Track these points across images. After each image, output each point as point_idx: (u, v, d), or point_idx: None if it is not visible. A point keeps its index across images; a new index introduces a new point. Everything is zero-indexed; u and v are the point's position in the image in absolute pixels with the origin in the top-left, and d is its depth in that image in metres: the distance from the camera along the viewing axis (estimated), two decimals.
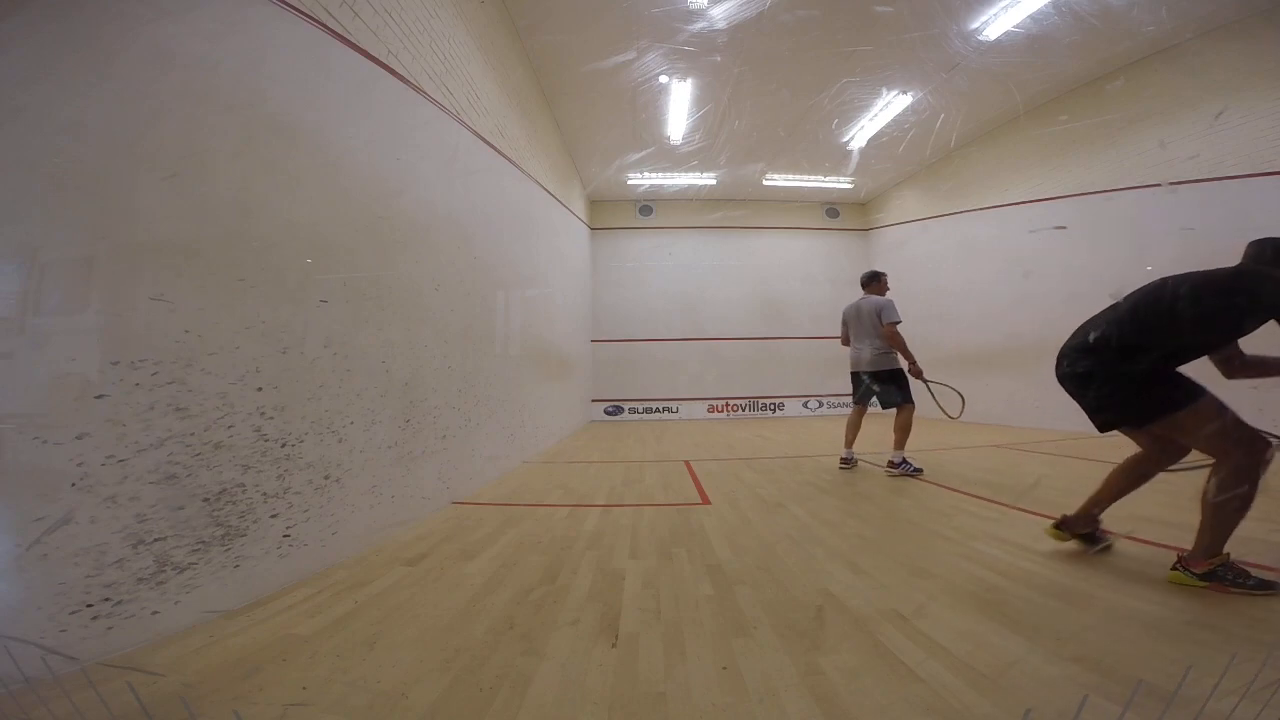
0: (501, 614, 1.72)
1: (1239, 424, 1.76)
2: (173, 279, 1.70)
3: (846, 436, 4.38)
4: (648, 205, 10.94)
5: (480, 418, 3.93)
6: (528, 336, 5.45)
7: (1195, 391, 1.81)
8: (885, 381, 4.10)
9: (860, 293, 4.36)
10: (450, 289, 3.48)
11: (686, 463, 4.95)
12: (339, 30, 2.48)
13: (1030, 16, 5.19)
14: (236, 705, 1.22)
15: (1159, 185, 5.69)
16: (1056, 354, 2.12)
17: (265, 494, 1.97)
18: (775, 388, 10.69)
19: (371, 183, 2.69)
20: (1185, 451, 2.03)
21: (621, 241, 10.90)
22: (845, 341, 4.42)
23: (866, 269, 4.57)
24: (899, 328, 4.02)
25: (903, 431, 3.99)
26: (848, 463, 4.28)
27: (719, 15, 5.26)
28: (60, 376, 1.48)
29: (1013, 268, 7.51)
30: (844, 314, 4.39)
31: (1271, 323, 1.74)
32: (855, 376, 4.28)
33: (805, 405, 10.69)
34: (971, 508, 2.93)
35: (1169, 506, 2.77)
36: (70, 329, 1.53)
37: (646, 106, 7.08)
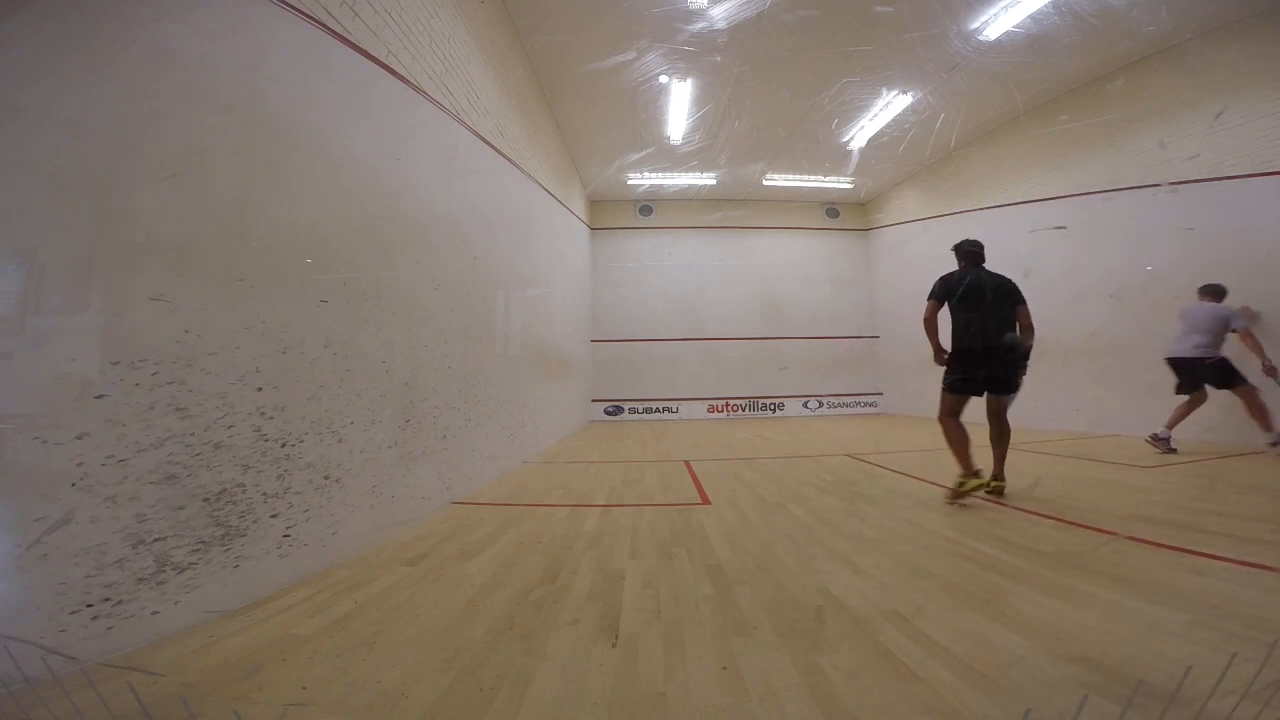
0: (501, 614, 1.72)
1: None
2: (173, 279, 1.71)
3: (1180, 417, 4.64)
4: (648, 205, 10.94)
5: (480, 418, 3.93)
6: (527, 336, 5.45)
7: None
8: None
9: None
10: (450, 289, 3.48)
11: (686, 463, 4.94)
12: (339, 30, 2.48)
13: (1030, 16, 5.18)
14: (236, 705, 1.22)
15: (1159, 185, 5.69)
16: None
17: (265, 494, 1.97)
18: (775, 388, 10.68)
19: (371, 183, 2.69)
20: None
21: (621, 241, 10.89)
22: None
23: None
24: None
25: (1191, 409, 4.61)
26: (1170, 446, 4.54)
27: (719, 15, 5.25)
28: (60, 376, 1.48)
29: (1013, 268, 7.48)
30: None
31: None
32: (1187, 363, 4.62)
33: (805, 405, 10.69)
34: (971, 507, 2.93)
35: (1170, 508, 2.77)
36: (70, 329, 1.52)
37: (646, 106, 7.07)
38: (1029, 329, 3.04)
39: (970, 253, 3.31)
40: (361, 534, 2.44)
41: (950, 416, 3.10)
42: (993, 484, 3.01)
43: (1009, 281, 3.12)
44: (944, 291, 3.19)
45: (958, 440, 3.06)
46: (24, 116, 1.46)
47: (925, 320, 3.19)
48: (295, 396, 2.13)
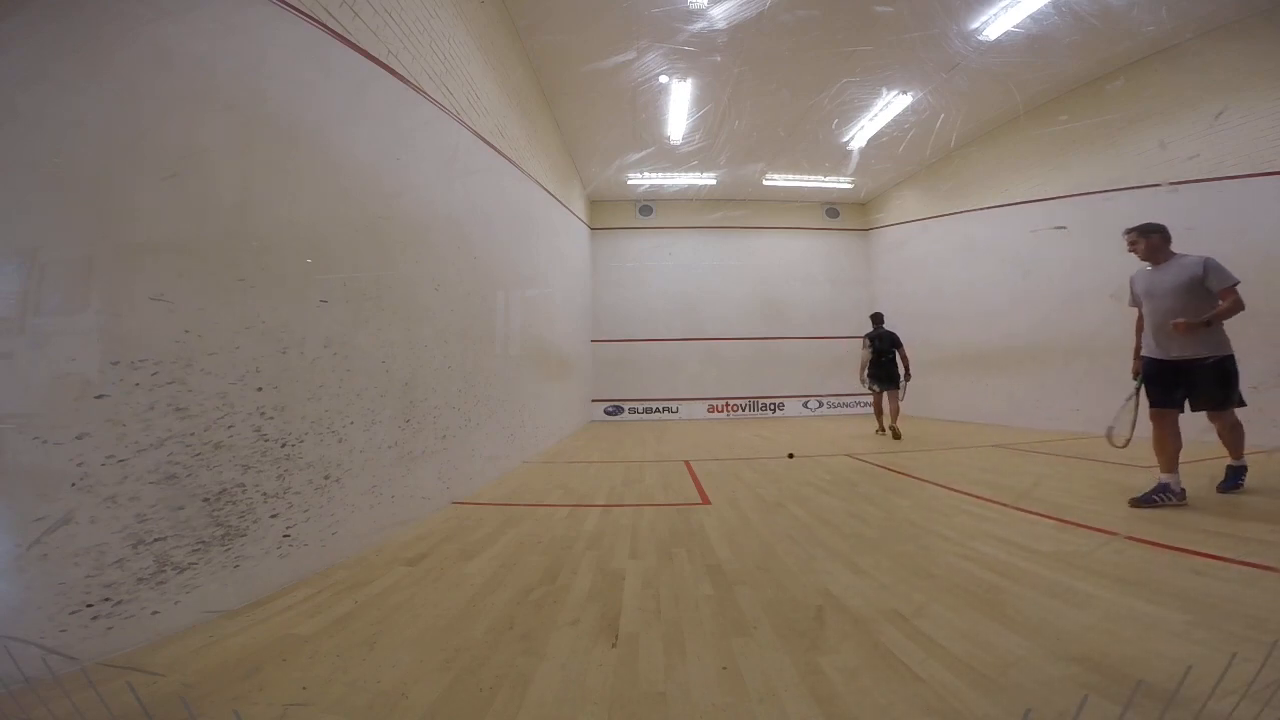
0: (501, 614, 1.72)
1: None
2: (173, 279, 1.70)
3: (1166, 456, 2.80)
4: (648, 205, 10.93)
5: (480, 417, 3.93)
6: (527, 336, 5.45)
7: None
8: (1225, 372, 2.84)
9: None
10: (450, 289, 3.48)
11: (686, 463, 4.95)
12: (339, 30, 2.48)
13: (1030, 16, 5.18)
14: (236, 705, 1.22)
15: (1159, 185, 5.68)
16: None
17: (265, 494, 1.97)
18: (775, 388, 10.68)
19: (371, 183, 2.69)
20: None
21: (621, 241, 10.88)
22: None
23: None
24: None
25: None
26: (1179, 496, 2.74)
27: (719, 15, 5.25)
28: (60, 376, 1.48)
29: (1013, 268, 7.50)
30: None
31: None
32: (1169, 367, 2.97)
33: (805, 405, 10.68)
34: (971, 508, 2.93)
35: (1170, 508, 2.77)
36: (70, 329, 1.53)
37: (646, 106, 7.07)
38: (905, 358, 6.43)
39: (877, 318, 6.83)
40: (361, 534, 2.44)
41: (878, 400, 6.65)
42: (891, 429, 6.31)
43: (893, 334, 6.57)
44: (869, 340, 6.68)
45: (879, 411, 6.65)
46: (24, 117, 1.46)
47: (863, 359, 6.72)
48: (295, 396, 2.13)
